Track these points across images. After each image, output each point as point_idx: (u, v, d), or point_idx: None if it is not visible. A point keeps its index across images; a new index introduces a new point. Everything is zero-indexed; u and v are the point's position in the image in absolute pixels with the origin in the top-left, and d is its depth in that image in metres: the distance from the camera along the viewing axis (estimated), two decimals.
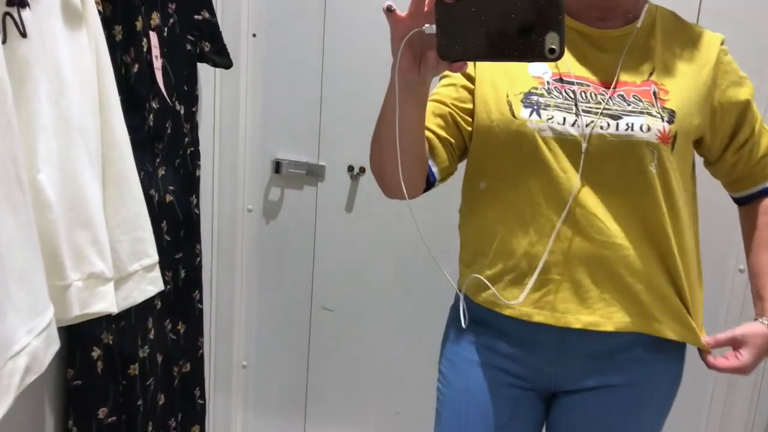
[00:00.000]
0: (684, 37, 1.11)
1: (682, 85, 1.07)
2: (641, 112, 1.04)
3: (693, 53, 1.10)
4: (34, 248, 1.01)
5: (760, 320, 1.14)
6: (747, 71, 1.14)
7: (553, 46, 0.78)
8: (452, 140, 1.12)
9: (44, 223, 1.06)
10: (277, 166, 1.95)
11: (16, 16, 0.98)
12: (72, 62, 1.11)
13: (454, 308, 1.23)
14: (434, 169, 1.09)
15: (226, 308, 2.07)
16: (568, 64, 1.08)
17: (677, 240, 1.08)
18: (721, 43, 1.12)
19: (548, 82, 1.08)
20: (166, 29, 1.46)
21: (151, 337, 1.51)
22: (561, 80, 1.08)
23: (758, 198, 1.20)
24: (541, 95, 1.07)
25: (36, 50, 1.03)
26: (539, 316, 1.09)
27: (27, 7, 1.00)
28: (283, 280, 2.05)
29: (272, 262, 2.05)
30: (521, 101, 1.07)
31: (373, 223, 1.93)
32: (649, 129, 1.03)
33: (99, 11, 1.20)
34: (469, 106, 1.12)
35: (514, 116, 1.07)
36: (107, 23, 1.25)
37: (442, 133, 1.11)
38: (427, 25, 0.83)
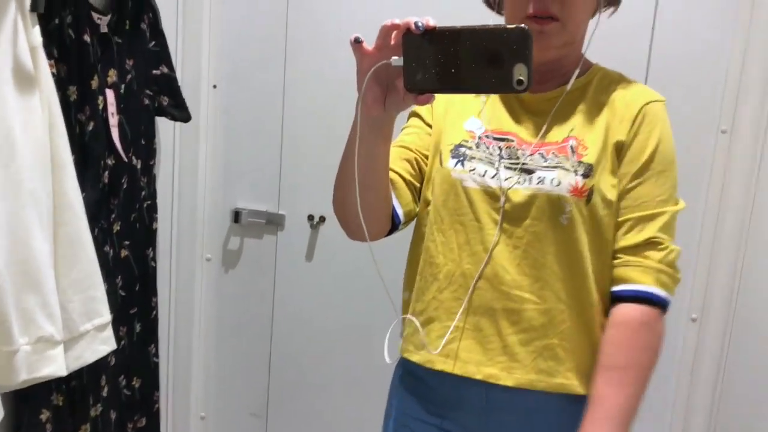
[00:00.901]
0: (615, 94, 1.09)
1: (602, 140, 1.06)
2: (555, 167, 1.05)
3: (617, 108, 1.08)
4: None
5: None
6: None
7: (521, 78, 0.78)
8: (416, 184, 1.14)
9: None
10: (237, 215, 1.95)
11: None
12: (23, 126, 1.11)
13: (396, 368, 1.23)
14: (399, 211, 1.10)
15: (183, 359, 2.04)
16: (501, 122, 1.11)
17: (590, 292, 1.06)
18: (655, 101, 1.08)
19: (479, 137, 1.10)
20: (123, 86, 1.47)
21: (104, 394, 1.48)
22: (490, 137, 1.10)
23: (616, 303, 1.07)
24: (469, 148, 1.09)
25: None
26: (442, 364, 1.09)
27: None
28: (243, 330, 2.03)
29: (231, 312, 2.04)
30: (450, 152, 1.10)
31: (333, 272, 1.94)
32: (559, 183, 1.04)
33: (53, 73, 1.21)
34: (428, 154, 1.15)
35: (441, 165, 1.10)
36: (61, 84, 1.25)
37: (408, 177, 1.12)
38: (394, 57, 0.82)
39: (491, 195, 1.06)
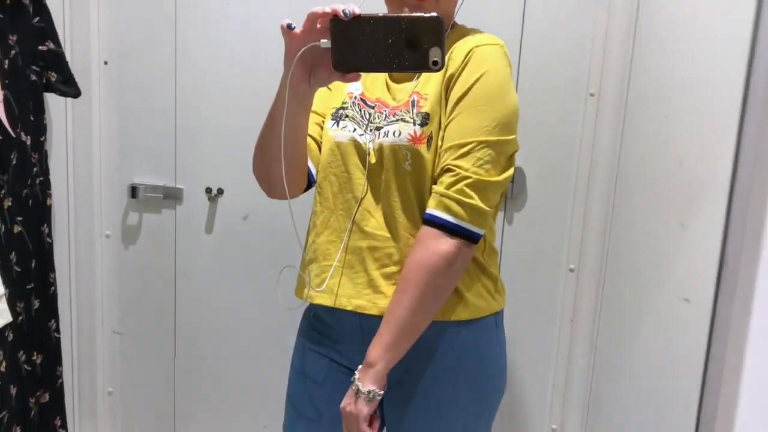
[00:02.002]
0: (459, 43, 1.17)
1: (438, 90, 1.16)
2: (396, 121, 1.18)
3: (458, 56, 1.15)
4: None
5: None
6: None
7: (436, 59, 0.91)
8: None
9: None
10: (134, 190, 1.97)
11: None
12: None
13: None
14: (313, 170, 1.23)
15: (87, 335, 2.05)
16: (374, 89, 1.25)
17: None
18: (488, 44, 1.15)
19: (354, 99, 1.25)
20: (7, 61, 1.47)
21: (3, 369, 1.49)
22: (361, 99, 1.24)
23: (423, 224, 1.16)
24: (345, 109, 1.24)
25: None
26: (319, 299, 1.24)
27: None
28: (146, 304, 2.06)
29: (133, 287, 2.05)
30: (331, 114, 1.25)
31: (232, 243, 1.98)
32: (400, 134, 1.17)
33: None
34: None
35: (323, 126, 1.25)
36: None
37: (319, 139, 1.25)
38: (323, 40, 0.94)
39: (357, 148, 1.20)
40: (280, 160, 1.06)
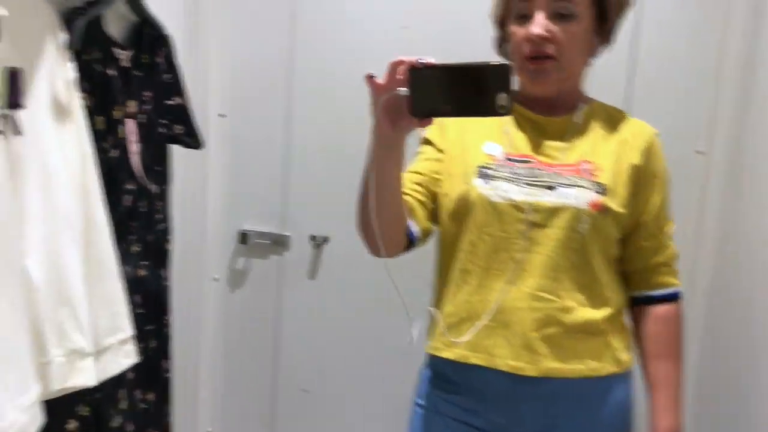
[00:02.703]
0: (619, 125, 1.30)
1: (613, 164, 1.25)
2: (573, 185, 1.23)
3: (626, 138, 1.28)
4: (23, 330, 1.08)
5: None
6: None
7: (503, 104, 0.94)
8: (430, 204, 1.29)
9: (30, 304, 1.14)
10: (243, 237, 2.04)
11: (12, 116, 1.08)
12: (59, 154, 1.21)
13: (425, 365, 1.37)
14: (414, 228, 1.24)
15: (191, 376, 2.12)
16: (519, 146, 1.27)
17: (608, 294, 1.27)
18: (655, 135, 1.31)
19: (500, 159, 1.26)
20: (142, 116, 1.57)
21: (123, 407, 1.56)
22: (509, 159, 1.26)
23: (649, 304, 1.32)
24: (493, 169, 1.25)
25: (28, 146, 1.12)
26: (474, 359, 1.24)
27: (22, 108, 1.10)
28: (249, 347, 2.12)
29: (238, 330, 2.12)
30: (476, 172, 1.26)
31: (336, 290, 2.03)
32: (579, 198, 1.21)
33: (86, 105, 1.31)
34: (441, 175, 1.30)
35: (468, 183, 1.25)
36: (90, 114, 1.35)
37: (420, 197, 1.27)
38: (401, 89, 0.98)
39: (516, 208, 1.22)
40: (375, 212, 1.10)
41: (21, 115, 1.10)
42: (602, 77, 1.75)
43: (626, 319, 1.32)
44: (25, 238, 1.13)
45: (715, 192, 1.76)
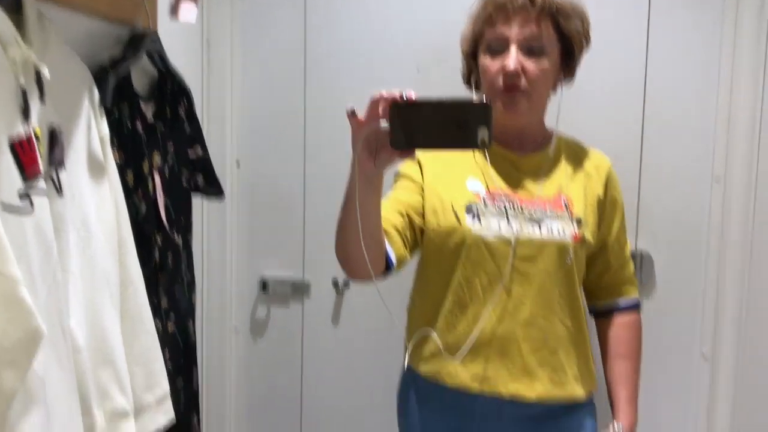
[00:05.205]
0: (582, 158, 1.44)
1: (583, 197, 1.39)
2: (556, 219, 1.34)
3: (590, 171, 1.42)
4: (75, 395, 1.06)
5: (611, 424, 1.44)
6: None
7: (484, 138, 0.97)
8: (407, 233, 1.35)
9: (75, 365, 1.12)
10: (264, 284, 2.03)
11: (54, 176, 1.07)
12: (97, 212, 1.20)
13: (402, 381, 1.50)
14: (392, 256, 1.29)
15: (217, 429, 2.08)
16: (499, 183, 1.36)
17: (583, 315, 1.40)
18: (611, 165, 1.46)
19: (483, 197, 1.35)
20: (166, 168, 1.56)
21: None
22: (493, 195, 1.35)
23: (614, 313, 1.50)
24: (479, 206, 1.34)
25: (68, 205, 1.11)
26: (478, 388, 1.33)
27: (63, 168, 1.09)
28: (273, 398, 2.08)
29: (261, 380, 2.09)
30: (464, 211, 1.34)
31: (359, 335, 2.01)
32: (564, 232, 1.34)
33: (115, 161, 1.30)
34: (420, 208, 1.37)
35: (459, 223, 1.33)
36: (121, 170, 1.35)
37: (399, 226, 1.33)
38: (382, 123, 1.00)
39: (507, 243, 1.31)
40: (359, 239, 1.13)
41: (62, 175, 1.09)
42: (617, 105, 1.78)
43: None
44: (66, 298, 1.11)
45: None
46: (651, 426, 1.82)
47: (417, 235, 1.39)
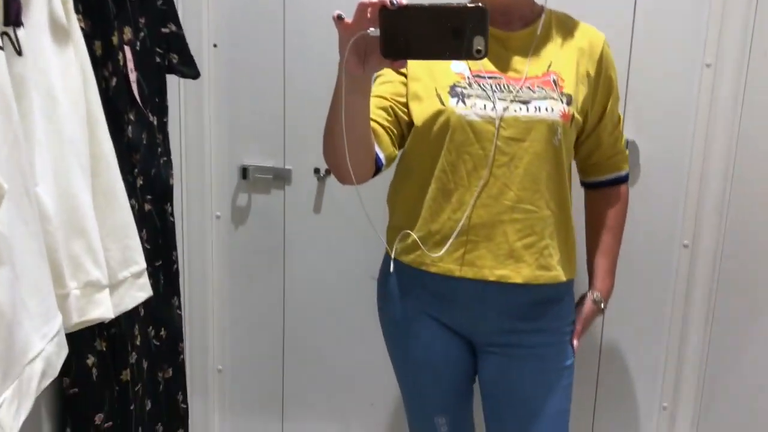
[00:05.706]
0: (574, 33, 1.37)
1: (574, 73, 1.33)
2: (545, 98, 1.27)
3: (582, 47, 1.35)
4: (43, 257, 1.05)
5: (589, 292, 1.48)
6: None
7: (480, 47, 0.93)
8: (394, 129, 1.31)
9: (44, 235, 1.10)
10: (244, 171, 2.00)
11: (12, 35, 1.02)
12: (62, 78, 1.14)
13: (384, 269, 1.50)
14: (381, 155, 1.26)
15: (199, 314, 2.10)
16: (484, 62, 1.30)
17: (569, 199, 1.37)
18: (605, 41, 1.39)
19: (468, 77, 1.29)
20: (137, 43, 1.50)
21: (138, 343, 1.54)
22: (478, 75, 1.29)
23: (605, 186, 1.50)
24: (464, 87, 1.28)
25: (30, 67, 1.06)
26: (460, 272, 1.31)
27: (21, 26, 1.04)
28: (255, 284, 2.09)
29: (243, 267, 2.09)
30: (448, 93, 1.28)
31: (341, 223, 2.00)
32: (552, 110, 1.28)
33: (81, 27, 1.24)
34: (405, 99, 1.32)
35: (443, 104, 1.28)
36: (87, 39, 1.28)
37: (386, 123, 1.29)
38: (371, 29, 0.95)
39: (494, 124, 1.26)
40: (344, 146, 1.09)
41: (20, 33, 1.03)
42: None
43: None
44: (32, 164, 1.08)
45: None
46: (628, 309, 1.85)
47: (404, 129, 1.34)
